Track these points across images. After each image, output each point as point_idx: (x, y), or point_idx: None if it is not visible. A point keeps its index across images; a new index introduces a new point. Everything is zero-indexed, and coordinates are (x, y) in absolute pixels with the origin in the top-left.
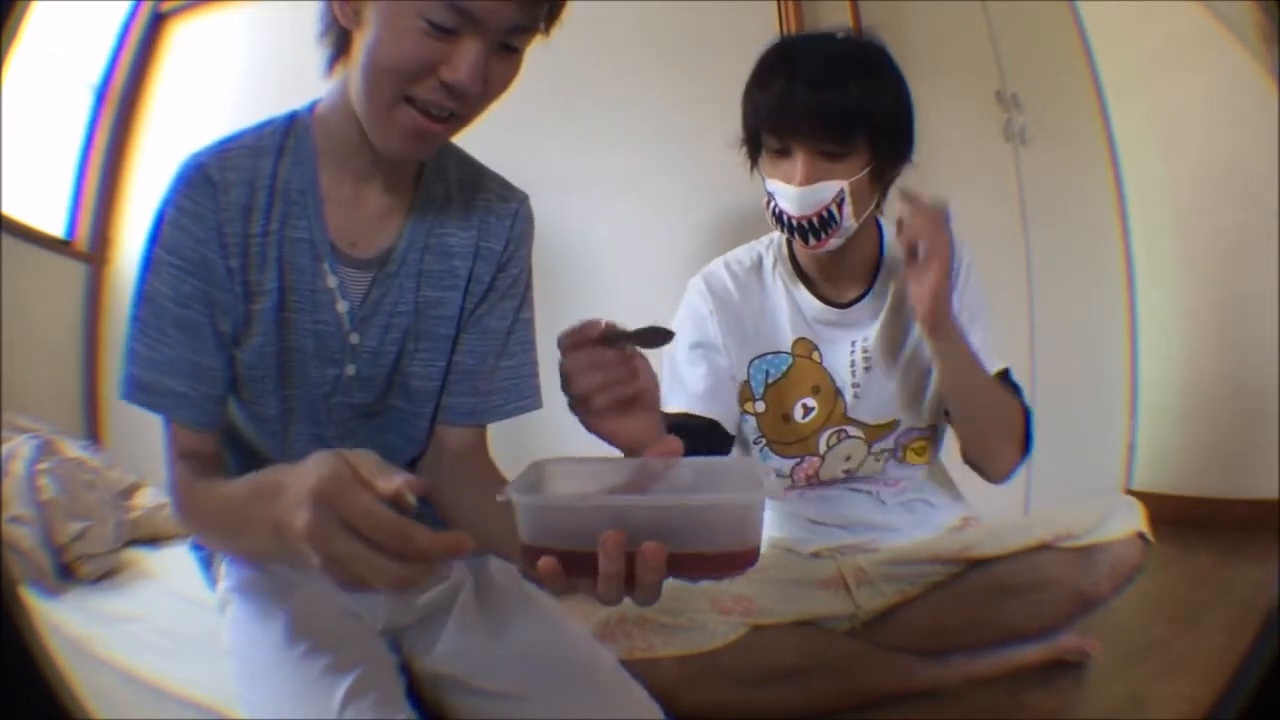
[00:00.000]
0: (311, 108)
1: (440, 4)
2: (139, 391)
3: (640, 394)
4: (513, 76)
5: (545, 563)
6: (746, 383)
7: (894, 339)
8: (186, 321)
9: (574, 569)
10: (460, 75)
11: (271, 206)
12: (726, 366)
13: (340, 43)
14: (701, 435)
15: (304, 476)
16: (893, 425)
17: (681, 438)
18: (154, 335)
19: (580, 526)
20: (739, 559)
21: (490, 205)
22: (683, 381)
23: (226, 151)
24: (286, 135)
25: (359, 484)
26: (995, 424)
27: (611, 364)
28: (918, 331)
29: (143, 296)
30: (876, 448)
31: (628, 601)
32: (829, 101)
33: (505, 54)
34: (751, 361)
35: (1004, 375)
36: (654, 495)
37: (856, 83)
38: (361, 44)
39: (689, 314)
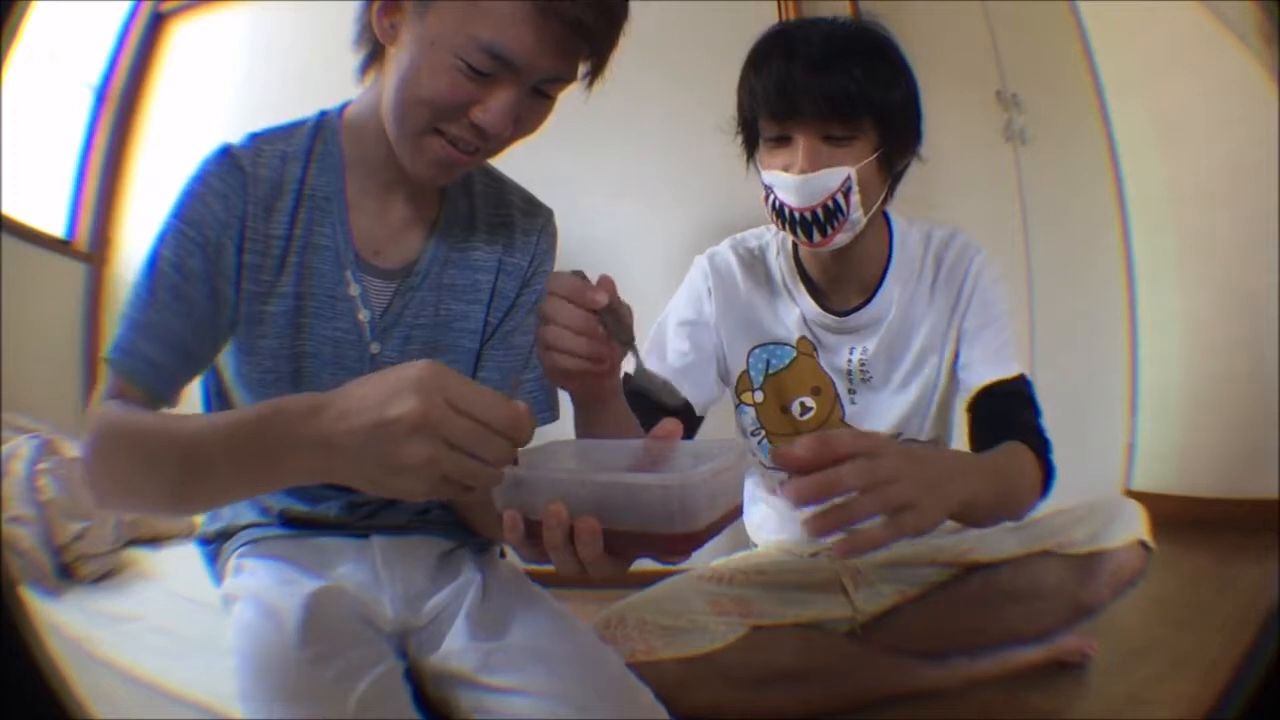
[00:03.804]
0: (341, 110)
1: (480, 50)
2: (115, 350)
3: (603, 385)
4: (543, 118)
5: (509, 516)
6: (745, 372)
7: (894, 356)
8: (181, 292)
9: (532, 536)
10: (491, 118)
11: (297, 210)
12: (713, 348)
13: (375, 51)
14: (668, 413)
15: (394, 377)
16: (892, 437)
17: (643, 410)
18: (146, 298)
19: (533, 497)
20: (675, 542)
21: (515, 221)
22: (664, 353)
23: (259, 149)
24: (315, 139)
25: (452, 372)
26: (1016, 499)
27: (597, 344)
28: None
29: (146, 262)
30: None
31: (626, 603)
32: (832, 81)
33: (538, 98)
34: (751, 350)
35: (1020, 382)
36: (592, 473)
37: (859, 62)
38: (396, 65)
39: (687, 289)
